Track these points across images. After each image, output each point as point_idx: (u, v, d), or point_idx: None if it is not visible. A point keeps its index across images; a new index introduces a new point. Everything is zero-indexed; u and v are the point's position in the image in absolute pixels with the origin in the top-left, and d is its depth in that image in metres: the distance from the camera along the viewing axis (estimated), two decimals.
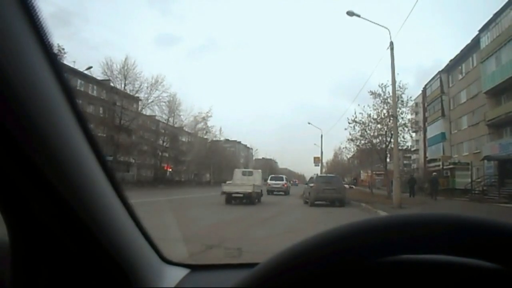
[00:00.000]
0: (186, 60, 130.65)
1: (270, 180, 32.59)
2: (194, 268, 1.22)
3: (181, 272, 1.16)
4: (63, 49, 30.46)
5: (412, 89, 71.85)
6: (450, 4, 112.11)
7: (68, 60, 31.32)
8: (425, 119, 44.71)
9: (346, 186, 29.05)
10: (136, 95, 41.75)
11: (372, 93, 26.31)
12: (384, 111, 25.98)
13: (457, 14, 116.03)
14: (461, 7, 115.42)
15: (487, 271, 0.58)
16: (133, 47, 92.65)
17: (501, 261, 0.52)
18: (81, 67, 34.00)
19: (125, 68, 39.75)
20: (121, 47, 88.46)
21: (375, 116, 26.50)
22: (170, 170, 53.83)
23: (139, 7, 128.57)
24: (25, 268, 0.73)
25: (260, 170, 26.15)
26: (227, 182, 21.78)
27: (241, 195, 18.46)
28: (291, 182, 48.14)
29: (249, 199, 18.46)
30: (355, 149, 31.75)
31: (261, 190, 21.64)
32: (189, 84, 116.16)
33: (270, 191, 29.79)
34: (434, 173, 29.21)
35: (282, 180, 32.84)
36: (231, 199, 18.36)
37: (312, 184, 20.17)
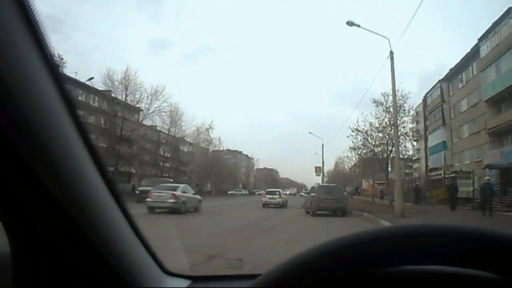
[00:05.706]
0: (184, 69, 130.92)
1: (304, 190, 65.78)
2: (195, 279, 1.21)
3: (182, 283, 1.15)
4: (61, 58, 30.56)
5: (415, 95, 71.27)
6: (453, 7, 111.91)
7: (69, 71, 31.41)
8: (426, 128, 44.73)
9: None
10: (137, 105, 41.89)
11: (375, 101, 26.36)
12: (386, 119, 26.02)
13: (461, 17, 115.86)
14: (465, 8, 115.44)
15: (487, 281, 0.58)
16: (128, 56, 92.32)
17: (500, 271, 0.52)
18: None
19: (126, 78, 39.91)
20: (114, 55, 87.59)
21: (377, 125, 26.57)
22: (171, 180, 53.71)
23: (131, 13, 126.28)
24: (26, 277, 0.73)
25: (295, 188, 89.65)
26: (288, 190, 66.50)
27: (293, 193, 74.25)
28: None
29: (294, 195, 69.22)
30: (357, 158, 31.74)
31: (296, 193, 76.21)
32: (188, 94, 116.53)
33: (305, 193, 56.21)
34: (487, 178, 24.37)
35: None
36: (289, 195, 53.83)
37: (313, 194, 20.10)
